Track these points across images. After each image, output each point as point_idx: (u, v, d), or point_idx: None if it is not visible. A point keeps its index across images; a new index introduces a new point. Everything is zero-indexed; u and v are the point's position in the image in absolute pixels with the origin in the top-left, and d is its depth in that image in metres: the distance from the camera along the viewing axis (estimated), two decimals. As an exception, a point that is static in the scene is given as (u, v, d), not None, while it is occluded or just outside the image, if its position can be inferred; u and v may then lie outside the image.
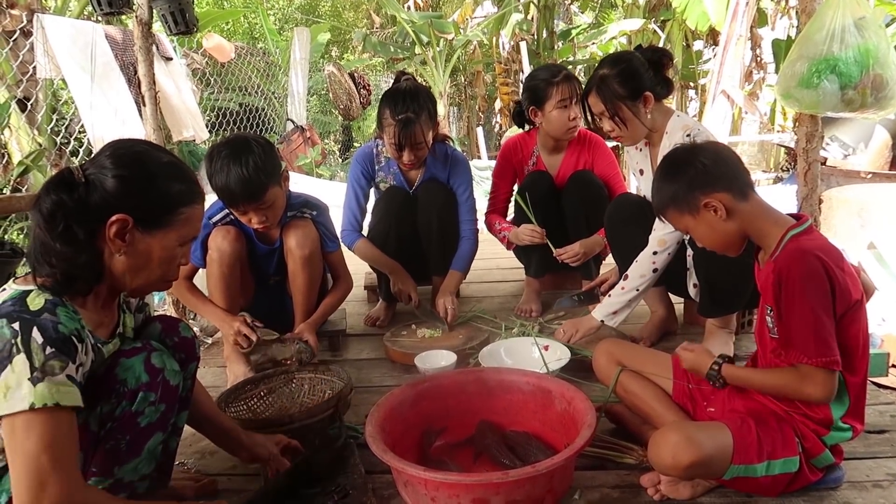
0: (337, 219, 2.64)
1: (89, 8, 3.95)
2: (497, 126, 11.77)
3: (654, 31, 8.43)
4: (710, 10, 6.50)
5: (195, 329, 2.80)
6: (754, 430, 1.45)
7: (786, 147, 6.83)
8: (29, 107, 4.59)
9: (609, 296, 2.32)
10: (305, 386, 2.11)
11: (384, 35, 10.75)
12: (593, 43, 9.27)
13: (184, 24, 3.19)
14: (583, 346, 2.29)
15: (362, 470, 1.68)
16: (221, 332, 2.33)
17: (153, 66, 2.85)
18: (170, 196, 1.31)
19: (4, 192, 4.36)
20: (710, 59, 8.29)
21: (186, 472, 1.77)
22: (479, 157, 8.95)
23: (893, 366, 2.60)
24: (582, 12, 10.91)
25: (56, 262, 1.20)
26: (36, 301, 1.17)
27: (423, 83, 2.81)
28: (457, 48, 9.28)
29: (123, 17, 4.02)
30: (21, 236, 4.37)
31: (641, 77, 2.22)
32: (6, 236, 4.16)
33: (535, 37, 9.11)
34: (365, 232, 2.89)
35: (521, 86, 3.24)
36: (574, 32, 9.70)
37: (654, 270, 2.23)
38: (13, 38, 4.43)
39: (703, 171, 1.48)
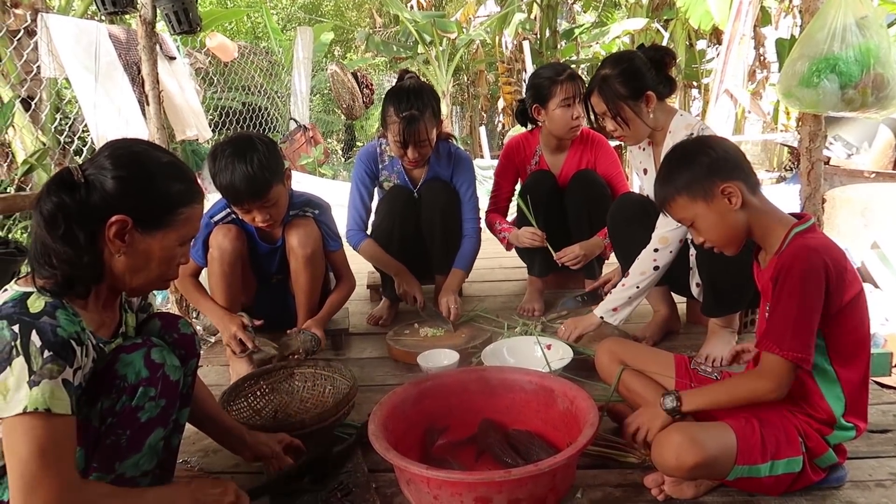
0: (339, 218, 2.65)
1: (93, 7, 3.96)
2: (500, 125, 11.78)
3: (658, 30, 8.42)
4: (713, 9, 6.49)
5: (198, 328, 2.82)
6: (758, 430, 1.45)
7: (789, 146, 6.82)
8: (33, 106, 4.60)
9: (610, 293, 2.32)
10: (307, 382, 2.13)
11: (387, 34, 10.75)
12: (597, 42, 9.26)
13: (187, 23, 3.20)
14: (585, 346, 2.29)
15: (365, 468, 1.69)
16: (220, 332, 2.34)
17: (157, 65, 2.86)
18: (169, 196, 1.31)
19: (9, 191, 4.37)
20: (713, 58, 8.27)
21: (190, 470, 1.78)
22: (482, 157, 8.95)
23: (896, 365, 2.59)
24: (585, 11, 10.90)
25: (57, 262, 1.21)
26: (36, 304, 1.17)
27: (426, 82, 2.81)
28: (460, 47, 9.27)
29: (127, 16, 4.02)
30: (25, 235, 4.38)
31: (643, 76, 2.22)
32: (10, 235, 4.17)
33: (538, 36, 9.10)
34: (368, 231, 2.90)
35: (525, 84, 3.24)
36: (577, 32, 9.69)
37: (656, 268, 2.23)
38: (17, 38, 4.44)
39: (724, 159, 1.48)
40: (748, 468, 1.43)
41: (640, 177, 2.55)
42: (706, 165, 1.48)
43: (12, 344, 1.11)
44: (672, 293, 2.58)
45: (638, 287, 2.25)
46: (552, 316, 2.82)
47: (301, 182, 5.80)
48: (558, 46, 9.08)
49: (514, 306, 3.02)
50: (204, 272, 2.45)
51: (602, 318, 2.29)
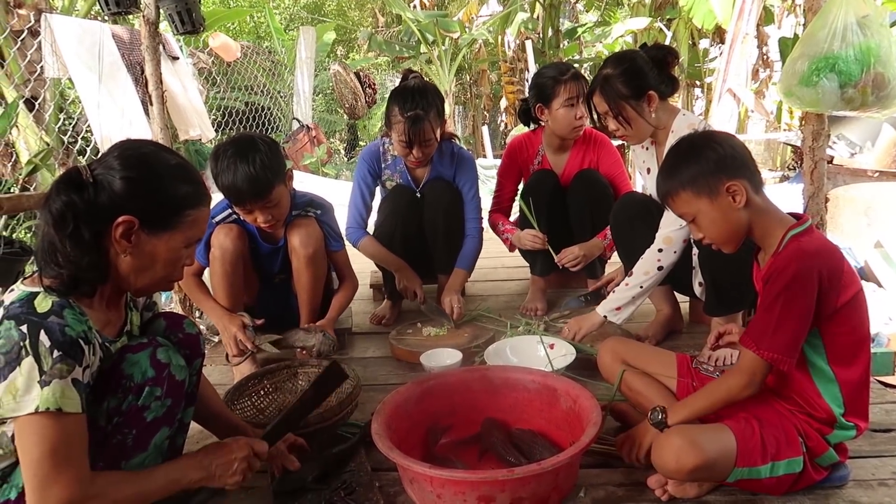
0: (342, 218, 2.65)
1: (96, 7, 3.97)
2: (502, 125, 11.79)
3: (661, 29, 8.41)
4: (716, 8, 6.48)
5: (202, 327, 2.82)
6: (758, 431, 1.45)
7: (792, 146, 6.81)
8: (37, 106, 4.61)
9: (613, 292, 2.32)
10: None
11: (389, 34, 10.76)
12: (599, 42, 9.26)
13: (190, 23, 3.21)
14: (588, 345, 2.29)
15: (368, 467, 1.69)
16: (220, 333, 2.34)
17: (160, 65, 2.87)
18: (176, 198, 1.32)
19: (13, 190, 4.38)
20: (716, 57, 8.26)
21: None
22: (485, 156, 8.95)
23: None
24: (587, 11, 10.89)
25: (63, 262, 1.21)
26: (43, 303, 1.18)
27: (431, 82, 2.81)
28: (462, 47, 9.27)
29: (130, 16, 4.03)
30: (29, 235, 4.40)
31: (645, 76, 2.22)
32: (14, 235, 4.18)
33: (541, 35, 9.11)
34: (370, 230, 2.90)
35: (527, 84, 3.25)
36: (580, 31, 9.69)
37: (660, 268, 2.23)
38: (21, 38, 4.46)
39: (731, 156, 1.47)
40: (748, 470, 1.43)
41: (643, 176, 2.55)
42: (713, 161, 1.47)
43: (21, 344, 1.12)
44: (675, 292, 2.58)
45: (641, 287, 2.25)
46: (555, 315, 2.83)
47: (304, 182, 5.81)
48: (561, 46, 9.09)
49: (516, 306, 3.02)
50: (206, 272, 2.46)
51: (605, 317, 2.29)
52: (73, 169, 1.26)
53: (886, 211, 3.78)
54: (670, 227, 2.20)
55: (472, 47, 10.18)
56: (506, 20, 9.35)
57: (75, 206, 1.21)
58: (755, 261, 1.59)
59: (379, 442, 1.49)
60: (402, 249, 2.83)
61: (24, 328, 1.13)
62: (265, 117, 8.35)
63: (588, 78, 2.78)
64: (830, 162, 5.17)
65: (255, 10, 10.99)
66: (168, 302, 3.33)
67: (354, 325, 2.90)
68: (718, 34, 7.63)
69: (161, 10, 2.97)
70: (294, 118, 8.20)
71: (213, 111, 6.93)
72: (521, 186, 3.05)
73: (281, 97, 8.78)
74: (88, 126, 4.32)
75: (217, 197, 2.31)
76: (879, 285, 3.39)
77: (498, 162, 3.37)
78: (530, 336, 2.41)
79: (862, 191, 4.10)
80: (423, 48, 9.11)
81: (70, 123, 4.98)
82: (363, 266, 2.98)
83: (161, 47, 2.96)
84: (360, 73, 8.35)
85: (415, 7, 10.14)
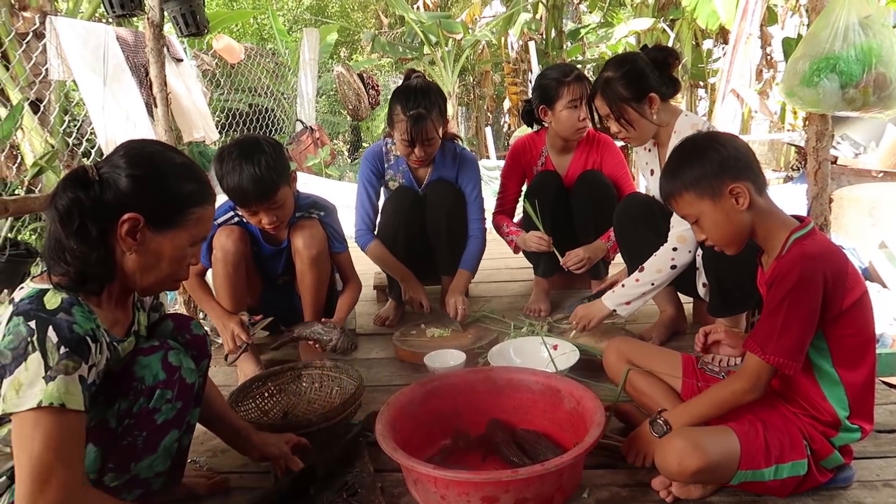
0: (345, 219, 2.66)
1: (101, 10, 3.99)
2: (506, 126, 11.79)
3: (664, 30, 8.40)
4: (719, 8, 6.47)
5: (206, 328, 2.83)
6: (762, 434, 1.45)
7: (796, 146, 6.80)
8: (42, 108, 4.63)
9: (623, 285, 2.31)
10: (315, 383, 2.14)
11: (393, 35, 10.78)
12: (603, 43, 9.26)
13: (195, 25, 3.22)
14: (592, 346, 2.29)
15: (371, 468, 1.69)
16: (220, 333, 2.35)
17: (164, 67, 2.88)
18: (181, 196, 1.32)
19: (18, 192, 4.40)
20: (719, 57, 8.25)
21: (198, 470, 1.79)
22: (488, 157, 8.95)
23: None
24: (591, 12, 10.89)
25: (70, 259, 1.22)
26: (52, 300, 1.19)
27: (433, 81, 2.82)
28: (465, 48, 9.28)
29: (135, 18, 4.05)
30: (34, 237, 4.41)
31: (646, 78, 2.22)
32: (20, 236, 4.20)
33: (544, 36, 9.11)
34: (376, 231, 2.90)
35: (531, 85, 3.25)
36: (583, 32, 9.69)
37: (673, 267, 2.22)
38: (26, 41, 4.48)
39: (735, 157, 1.46)
40: (751, 473, 1.43)
41: (645, 177, 2.55)
42: (717, 163, 1.46)
43: (29, 340, 1.13)
44: (678, 293, 2.58)
45: (653, 284, 2.24)
46: (558, 316, 2.82)
47: (307, 183, 5.81)
48: (564, 47, 9.09)
49: (520, 307, 3.02)
50: (210, 274, 2.47)
51: (614, 310, 2.29)
52: (80, 167, 1.27)
53: (890, 211, 3.77)
54: (683, 226, 2.19)
55: (475, 48, 10.19)
56: (509, 21, 9.35)
57: (81, 203, 1.22)
58: (759, 263, 1.59)
59: (383, 443, 1.49)
60: (405, 250, 2.83)
61: (32, 324, 1.14)
62: (269, 119, 8.36)
63: (591, 79, 2.78)
64: (834, 162, 5.16)
65: (259, 11, 11.00)
66: (173, 303, 3.34)
67: (358, 326, 2.91)
68: (722, 35, 7.62)
69: (165, 13, 2.98)
70: (297, 120, 8.22)
71: (217, 113, 6.95)
72: (524, 188, 3.05)
73: (284, 99, 8.79)
74: (93, 128, 4.33)
75: (220, 199, 2.32)
76: (884, 286, 3.38)
77: (501, 163, 3.37)
78: (534, 337, 2.41)
79: (866, 191, 4.09)
80: (426, 49, 9.12)
81: (75, 126, 4.99)
82: (367, 267, 2.98)
83: (165, 49, 2.97)
84: (364, 75, 8.36)
85: (418, 8, 10.15)
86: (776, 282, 1.39)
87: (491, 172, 6.84)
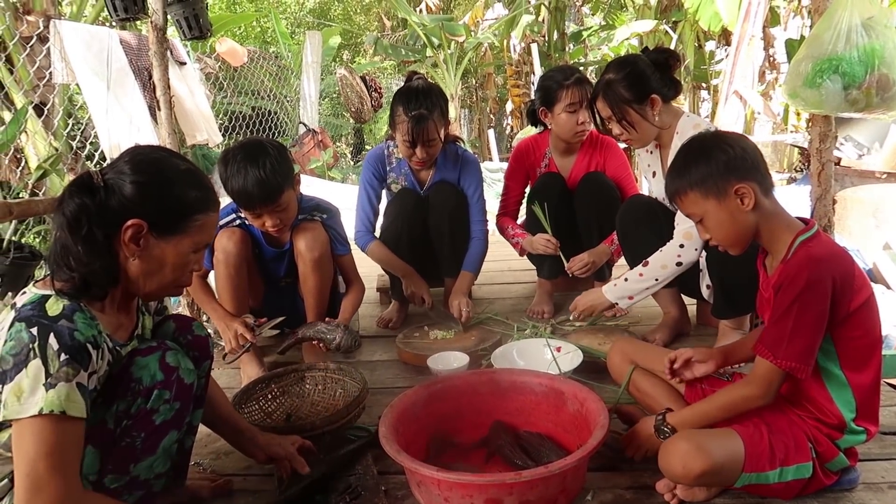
0: (348, 222, 2.66)
1: (105, 13, 4.00)
2: (508, 128, 11.79)
3: (666, 31, 8.40)
4: (722, 10, 6.48)
5: (209, 331, 2.83)
6: (766, 436, 1.44)
7: (799, 147, 6.79)
8: (45, 112, 4.65)
9: (626, 279, 2.31)
10: (318, 386, 2.14)
11: (395, 38, 10.79)
12: (605, 44, 9.26)
13: (198, 28, 3.23)
14: (596, 348, 2.29)
15: (374, 471, 1.69)
16: (221, 334, 2.35)
17: (168, 70, 2.88)
18: (185, 202, 1.33)
19: (22, 196, 4.41)
20: (722, 59, 8.26)
21: (201, 473, 1.79)
22: (491, 159, 8.96)
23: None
24: (593, 14, 10.90)
25: (75, 265, 1.22)
26: (54, 307, 1.19)
27: (435, 83, 2.82)
28: (468, 50, 9.29)
29: (138, 22, 4.06)
30: (38, 240, 4.43)
31: (647, 80, 2.22)
32: (24, 239, 4.21)
33: (546, 38, 9.11)
34: (377, 233, 2.91)
35: (533, 87, 3.25)
36: (585, 34, 9.69)
37: (678, 264, 2.21)
38: (30, 44, 4.49)
39: (741, 157, 1.45)
40: (756, 475, 1.43)
41: (648, 179, 2.55)
42: (723, 162, 1.45)
43: (30, 346, 1.13)
44: (682, 295, 2.58)
45: (656, 280, 2.24)
46: (562, 318, 2.82)
47: (310, 186, 5.82)
48: (566, 49, 9.09)
49: (523, 308, 3.02)
50: (212, 276, 2.47)
51: (616, 302, 2.30)
52: (85, 173, 1.27)
53: (894, 212, 3.76)
54: (689, 223, 2.18)
55: (477, 51, 10.21)
56: (511, 23, 9.36)
57: (88, 209, 1.22)
58: (762, 266, 1.58)
59: (386, 445, 1.49)
60: (408, 252, 2.83)
61: (34, 330, 1.14)
62: (272, 122, 8.38)
63: (594, 81, 2.78)
64: (838, 164, 5.16)
65: (262, 15, 11.03)
66: (176, 305, 3.34)
67: (361, 329, 2.91)
68: (724, 36, 7.61)
69: (169, 16, 2.99)
70: (300, 122, 8.24)
71: (221, 116, 6.97)
72: (528, 189, 3.05)
73: (287, 101, 8.81)
74: (96, 132, 4.35)
75: (224, 201, 2.32)
76: (888, 287, 3.37)
77: (504, 165, 3.37)
78: (537, 339, 2.41)
79: (870, 192, 4.08)
80: (428, 52, 9.14)
81: (78, 129, 5.01)
82: (370, 270, 2.98)
83: (168, 53, 2.97)
84: (366, 77, 8.38)
85: (420, 11, 10.17)
86: (784, 286, 1.38)
87: (493, 174, 6.84)
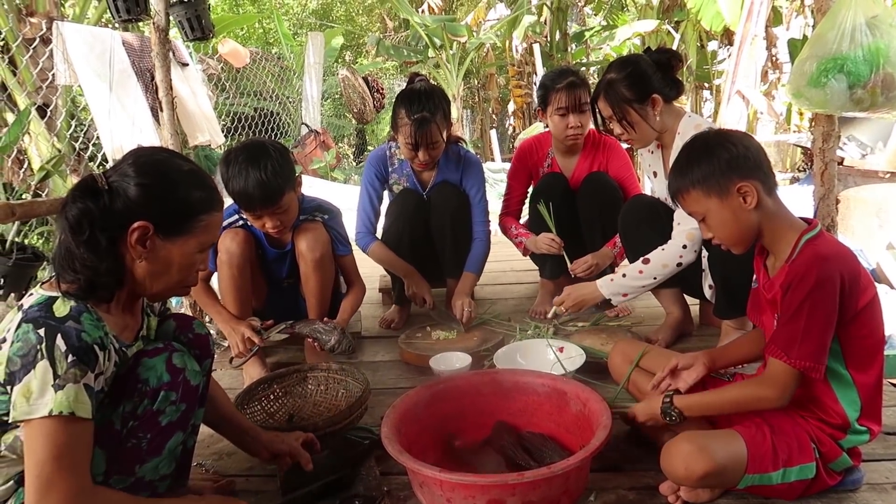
0: (350, 223, 2.66)
1: (107, 15, 4.01)
2: (511, 129, 11.79)
3: (668, 31, 8.40)
4: (724, 10, 6.47)
5: (212, 331, 2.84)
6: (769, 437, 1.44)
7: (802, 147, 6.78)
8: (48, 113, 4.65)
9: (624, 275, 2.30)
10: (321, 386, 2.14)
11: (397, 39, 10.79)
12: (607, 44, 9.26)
13: (200, 30, 3.24)
14: (598, 348, 2.29)
15: (377, 472, 1.69)
16: (227, 337, 2.35)
17: (170, 71, 2.89)
18: (190, 203, 1.33)
19: (25, 197, 4.42)
20: (724, 59, 8.25)
21: (204, 473, 1.79)
22: (493, 160, 8.96)
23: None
24: (596, 14, 10.89)
25: (80, 268, 1.23)
26: (61, 308, 1.19)
27: (437, 85, 2.82)
28: (470, 51, 9.29)
29: (141, 23, 4.07)
30: (41, 241, 4.43)
31: (649, 80, 2.22)
32: (27, 240, 4.21)
33: (549, 39, 9.10)
34: (378, 234, 2.91)
35: (535, 88, 3.26)
36: (587, 34, 9.68)
37: (679, 265, 2.21)
38: (33, 46, 4.50)
39: (744, 156, 1.45)
40: (759, 476, 1.42)
41: (650, 180, 2.54)
42: (725, 161, 1.45)
43: (38, 347, 1.13)
44: (685, 295, 2.57)
45: (655, 279, 2.24)
46: (564, 319, 2.82)
47: (313, 186, 5.83)
48: (569, 49, 9.08)
49: (525, 309, 3.02)
50: (214, 277, 2.47)
51: (609, 298, 2.30)
52: (89, 176, 1.28)
53: (898, 212, 3.75)
54: (691, 223, 2.17)
55: (479, 51, 10.20)
56: (513, 24, 9.36)
57: (91, 212, 1.23)
58: (762, 267, 1.58)
59: (389, 446, 1.49)
60: (410, 253, 2.83)
61: (41, 332, 1.15)
62: (274, 122, 8.39)
63: (595, 82, 2.78)
64: (841, 163, 5.14)
65: (264, 16, 11.05)
66: (178, 306, 3.34)
67: (364, 329, 2.91)
68: (727, 36, 7.61)
69: (171, 17, 2.99)
70: (303, 123, 8.24)
71: (223, 117, 6.98)
72: (530, 189, 3.05)
73: (290, 102, 8.82)
74: (99, 133, 4.36)
75: (227, 201, 2.33)
76: (892, 287, 3.36)
77: (506, 166, 3.37)
78: (540, 339, 2.41)
79: (873, 192, 4.07)
80: (430, 52, 9.14)
81: (81, 130, 5.02)
82: (372, 270, 2.98)
83: (171, 54, 2.98)
84: (369, 78, 8.39)
85: (423, 12, 10.17)
86: (793, 285, 1.38)
87: (496, 175, 6.83)
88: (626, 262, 2.66)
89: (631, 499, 1.56)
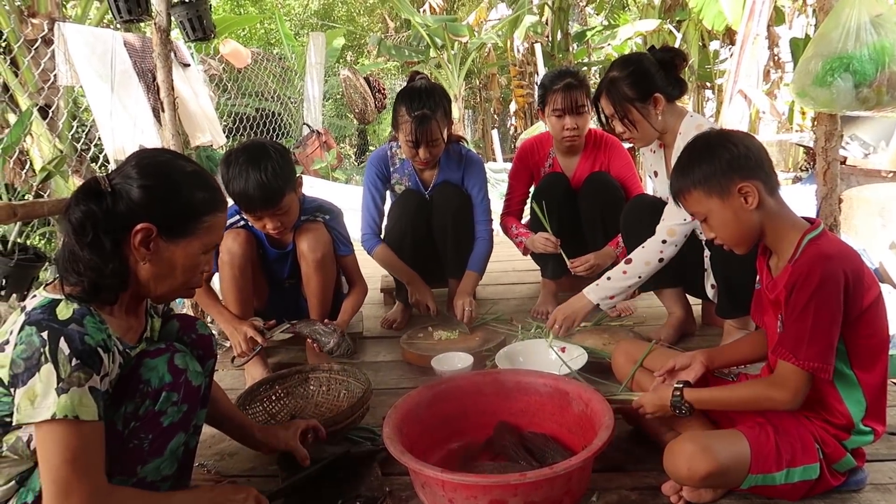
0: (352, 223, 2.66)
1: (109, 16, 4.01)
2: (512, 128, 11.79)
3: (670, 31, 8.39)
4: (726, 9, 6.46)
5: (213, 331, 2.83)
6: (772, 438, 1.43)
7: (804, 146, 6.76)
8: (50, 114, 4.66)
9: (609, 278, 2.29)
10: (322, 387, 2.14)
11: (399, 39, 10.80)
12: (608, 44, 9.25)
13: (201, 30, 3.23)
14: (600, 348, 2.28)
15: (379, 472, 1.69)
16: (229, 337, 2.35)
17: (171, 72, 2.89)
18: (193, 205, 1.33)
19: (27, 198, 4.42)
20: (726, 58, 8.23)
21: (206, 474, 1.79)
22: (495, 160, 8.95)
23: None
24: (598, 14, 10.89)
25: (84, 270, 1.23)
26: (64, 311, 1.19)
27: (437, 83, 2.82)
28: (471, 51, 9.29)
29: (142, 24, 4.07)
30: (43, 241, 4.44)
31: (651, 78, 2.21)
32: (29, 241, 4.22)
33: (550, 39, 9.10)
34: (382, 234, 2.90)
35: (536, 87, 3.25)
36: (589, 34, 9.68)
37: (661, 260, 2.21)
38: (35, 47, 4.51)
39: (745, 156, 1.45)
40: (762, 477, 1.42)
41: (651, 179, 2.54)
42: (726, 161, 1.45)
43: (41, 350, 1.13)
44: (687, 295, 2.57)
45: (639, 277, 2.23)
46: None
47: (314, 186, 5.82)
48: (570, 49, 9.08)
49: (527, 309, 3.01)
50: (215, 278, 2.47)
51: (597, 304, 2.28)
52: (92, 179, 1.28)
53: (901, 212, 3.74)
54: (674, 220, 2.18)
55: (481, 51, 10.20)
56: (515, 24, 9.35)
57: (94, 215, 1.23)
58: (765, 267, 1.57)
59: (391, 446, 1.48)
60: (412, 253, 2.83)
61: (44, 335, 1.15)
62: (275, 123, 8.39)
63: (597, 82, 2.77)
64: (843, 163, 5.13)
65: (266, 16, 11.06)
66: (181, 307, 3.34)
67: (365, 329, 2.91)
68: (729, 35, 7.61)
69: (172, 18, 2.99)
70: (304, 123, 8.24)
71: (224, 117, 6.98)
72: (532, 189, 3.04)
73: (291, 103, 8.82)
74: (101, 134, 4.36)
75: (229, 202, 2.32)
76: (894, 286, 3.35)
77: (508, 165, 3.37)
78: (541, 339, 2.40)
79: (876, 191, 4.06)
80: (432, 52, 9.13)
81: (83, 131, 5.02)
82: (373, 270, 2.98)
83: (172, 54, 2.98)
84: (370, 78, 8.38)
85: (424, 12, 10.17)
86: (798, 285, 1.37)
87: (497, 175, 6.82)
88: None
89: (633, 499, 1.56)
